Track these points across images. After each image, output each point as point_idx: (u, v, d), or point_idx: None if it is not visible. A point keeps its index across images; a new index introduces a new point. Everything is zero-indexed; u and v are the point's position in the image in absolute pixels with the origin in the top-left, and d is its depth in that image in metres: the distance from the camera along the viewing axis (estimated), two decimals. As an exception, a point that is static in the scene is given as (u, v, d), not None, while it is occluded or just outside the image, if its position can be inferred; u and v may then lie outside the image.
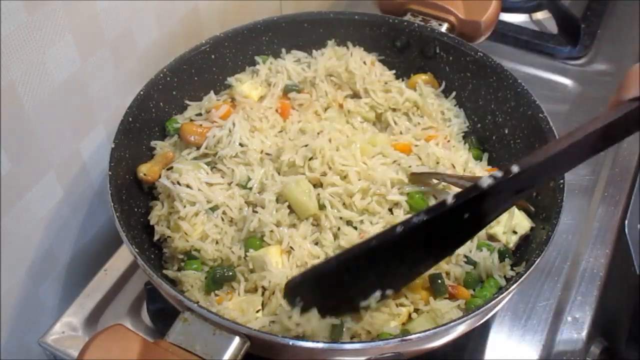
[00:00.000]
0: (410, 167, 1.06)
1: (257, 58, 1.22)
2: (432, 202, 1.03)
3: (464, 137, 1.19)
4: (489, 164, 1.16)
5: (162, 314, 1.07)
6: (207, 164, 1.07)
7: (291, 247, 0.98)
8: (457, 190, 1.01)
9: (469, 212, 0.82)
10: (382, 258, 0.85)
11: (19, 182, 0.99)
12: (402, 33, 1.23)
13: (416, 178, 1.04)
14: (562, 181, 0.98)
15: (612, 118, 0.77)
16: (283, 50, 1.24)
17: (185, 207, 1.02)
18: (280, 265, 0.96)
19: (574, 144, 0.79)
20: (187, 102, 1.16)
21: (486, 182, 0.80)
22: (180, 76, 1.14)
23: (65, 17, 0.96)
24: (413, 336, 0.84)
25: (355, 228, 1.00)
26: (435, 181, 1.04)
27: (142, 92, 1.08)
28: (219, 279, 0.96)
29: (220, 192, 1.04)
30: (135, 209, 1.05)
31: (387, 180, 1.03)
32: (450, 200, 0.81)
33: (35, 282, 1.10)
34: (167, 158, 1.09)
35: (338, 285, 0.88)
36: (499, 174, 0.80)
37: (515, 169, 0.80)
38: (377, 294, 0.88)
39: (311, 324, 0.87)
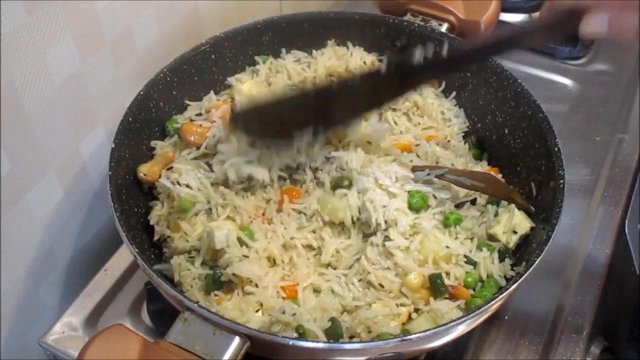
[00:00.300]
0: (411, 161, 1.07)
1: (257, 58, 1.22)
2: (432, 201, 1.03)
3: (464, 137, 1.19)
4: (489, 164, 1.16)
5: (162, 314, 1.07)
6: (207, 163, 1.07)
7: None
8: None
9: (399, 80, 0.93)
10: (320, 103, 0.97)
11: (19, 182, 0.99)
12: (402, 33, 1.23)
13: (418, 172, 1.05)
14: (562, 181, 0.98)
15: (535, 24, 0.88)
16: (283, 50, 1.24)
17: (185, 207, 1.02)
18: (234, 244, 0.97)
19: (499, 41, 0.88)
20: (187, 102, 1.16)
21: (416, 59, 0.91)
22: (180, 76, 1.14)
23: (65, 17, 0.96)
24: (413, 336, 0.84)
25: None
26: (436, 181, 1.05)
27: (142, 92, 1.08)
28: (218, 279, 0.96)
29: (220, 192, 1.04)
30: (135, 209, 1.05)
31: (393, 174, 1.03)
32: (383, 68, 0.93)
33: (35, 282, 1.10)
34: (167, 158, 1.09)
35: (278, 117, 1.00)
36: (430, 54, 0.90)
37: (444, 53, 0.90)
38: (310, 129, 0.98)
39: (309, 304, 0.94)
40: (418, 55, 0.90)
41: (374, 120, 1.11)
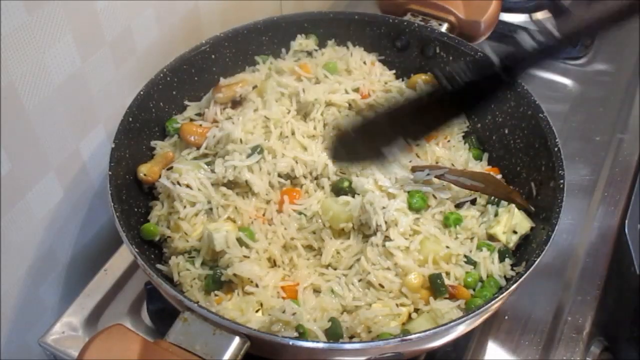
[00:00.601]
0: (411, 161, 1.07)
1: (257, 58, 1.22)
2: (432, 201, 1.03)
3: (464, 137, 1.19)
4: (489, 164, 1.16)
5: (162, 314, 1.07)
6: (207, 164, 1.07)
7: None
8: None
9: (507, 73, 0.86)
10: (420, 111, 0.92)
11: (19, 182, 0.99)
12: (402, 33, 1.23)
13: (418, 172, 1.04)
14: (562, 181, 0.98)
15: None
16: (283, 50, 1.24)
17: (185, 207, 1.02)
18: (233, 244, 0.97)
19: (607, 14, 0.82)
20: (187, 102, 1.16)
21: (529, 43, 0.83)
22: (180, 76, 1.14)
23: (65, 17, 0.96)
24: (413, 336, 0.84)
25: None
26: (436, 181, 1.05)
27: (142, 92, 1.08)
28: (219, 279, 0.96)
29: (220, 192, 1.04)
30: (135, 209, 1.05)
31: (392, 175, 1.03)
32: (497, 62, 0.85)
33: (35, 282, 1.10)
34: (167, 158, 1.09)
35: (374, 134, 0.94)
36: (541, 37, 0.83)
37: (556, 34, 0.82)
38: (400, 142, 0.94)
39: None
40: (528, 40, 0.83)
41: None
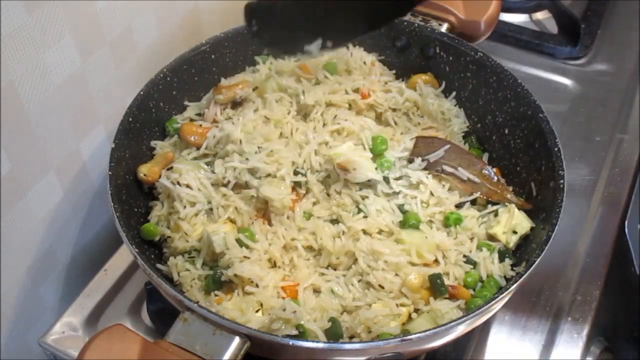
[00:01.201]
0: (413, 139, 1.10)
1: (257, 58, 1.22)
2: (432, 200, 1.03)
3: (464, 137, 1.19)
4: (489, 163, 1.16)
5: (162, 314, 1.08)
6: (207, 164, 1.07)
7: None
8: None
9: None
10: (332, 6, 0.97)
11: (19, 182, 0.99)
12: (402, 33, 1.23)
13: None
14: (562, 181, 0.98)
15: None
16: (283, 50, 1.24)
17: (185, 207, 1.02)
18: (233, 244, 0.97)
19: None
20: (187, 102, 1.16)
21: None
22: (180, 76, 1.14)
23: (65, 17, 0.96)
24: (413, 336, 0.84)
25: None
26: (433, 182, 1.05)
27: (142, 92, 1.08)
28: (219, 279, 0.96)
29: (220, 192, 1.04)
30: (135, 209, 1.05)
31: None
32: None
33: (35, 282, 1.10)
34: (167, 158, 1.09)
35: (290, 19, 0.97)
36: None
37: None
38: (319, 41, 0.97)
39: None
40: None
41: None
